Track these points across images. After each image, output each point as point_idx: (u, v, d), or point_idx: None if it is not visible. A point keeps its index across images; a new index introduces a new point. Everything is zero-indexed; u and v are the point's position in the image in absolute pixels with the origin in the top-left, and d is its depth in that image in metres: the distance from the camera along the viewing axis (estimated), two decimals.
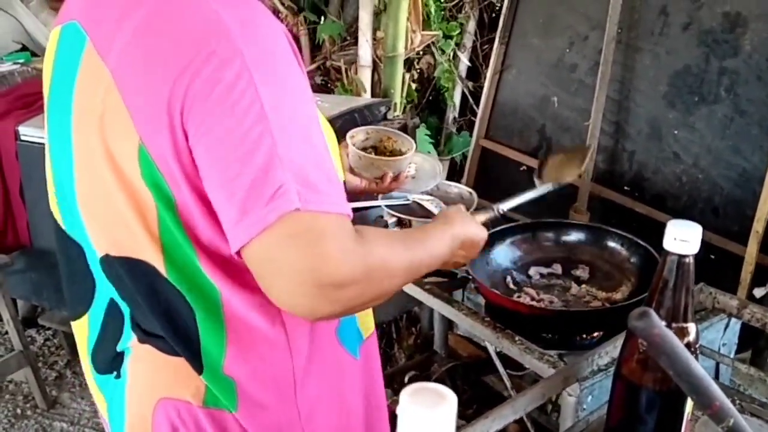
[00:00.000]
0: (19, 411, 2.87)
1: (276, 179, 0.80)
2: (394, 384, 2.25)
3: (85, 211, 0.96)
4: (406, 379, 2.03)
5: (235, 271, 0.90)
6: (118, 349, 1.01)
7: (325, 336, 1.03)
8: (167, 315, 0.93)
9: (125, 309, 0.99)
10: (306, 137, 0.85)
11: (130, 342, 0.99)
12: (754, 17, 2.26)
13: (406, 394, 0.58)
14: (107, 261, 0.96)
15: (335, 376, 1.05)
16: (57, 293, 2.85)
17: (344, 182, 1.18)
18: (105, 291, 1.01)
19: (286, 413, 1.00)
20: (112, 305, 1.01)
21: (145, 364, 0.99)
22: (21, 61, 3.21)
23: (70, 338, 3.10)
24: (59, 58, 0.99)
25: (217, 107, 0.80)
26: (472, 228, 1.21)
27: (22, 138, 2.68)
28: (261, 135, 0.80)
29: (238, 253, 0.83)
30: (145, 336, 0.97)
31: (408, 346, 2.83)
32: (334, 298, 0.82)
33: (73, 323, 1.11)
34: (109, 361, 1.03)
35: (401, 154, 1.46)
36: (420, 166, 1.59)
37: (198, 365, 0.94)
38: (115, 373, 1.03)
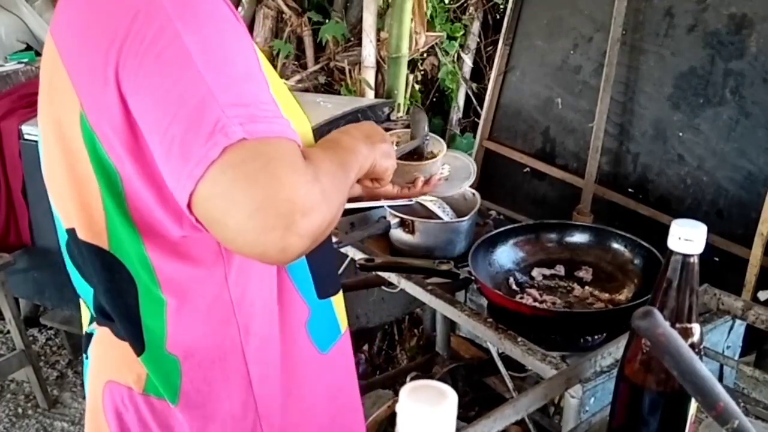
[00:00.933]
0: (20, 410, 2.87)
1: (212, 117, 0.75)
2: (396, 385, 2.25)
3: (49, 186, 0.96)
4: (408, 380, 2.02)
5: (173, 243, 0.89)
6: (87, 330, 1.02)
7: (290, 325, 1.00)
8: (113, 290, 0.92)
9: (86, 290, 0.98)
10: (243, 75, 0.80)
11: (94, 324, 1.00)
12: (760, 19, 2.25)
13: (405, 392, 0.57)
14: (70, 237, 0.95)
15: (298, 368, 1.02)
16: (59, 292, 2.85)
17: (375, 188, 1.17)
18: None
19: (237, 397, 0.97)
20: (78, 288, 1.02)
21: (101, 346, 1.00)
22: (25, 60, 3.22)
23: (71, 338, 3.11)
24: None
25: (146, 62, 0.78)
26: (382, 144, 1.08)
27: (26, 137, 2.69)
28: (191, 81, 0.76)
29: (191, 209, 0.78)
30: (102, 317, 0.97)
31: (410, 347, 2.83)
32: (300, 229, 0.75)
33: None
34: (85, 342, 1.04)
35: (432, 156, 1.39)
36: (453, 167, 1.53)
37: (140, 344, 0.93)
38: (85, 354, 1.05)
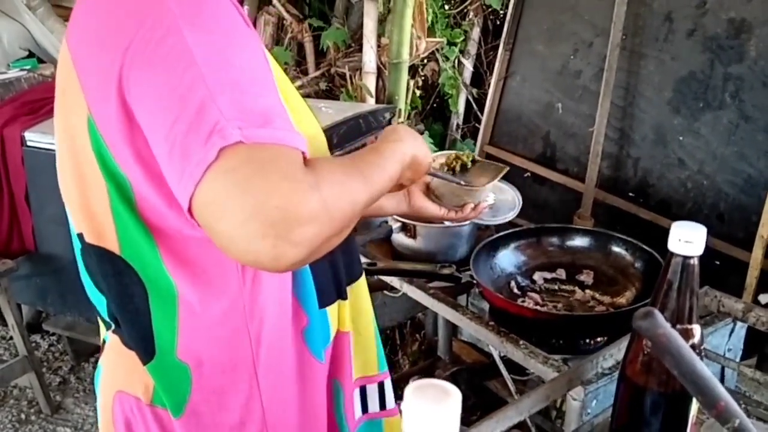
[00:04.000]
0: (23, 416, 2.87)
1: (211, 119, 0.74)
2: (398, 390, 2.25)
3: (62, 192, 0.96)
4: (411, 382, 2.03)
5: (188, 248, 0.88)
6: (103, 338, 1.02)
7: (289, 331, 0.99)
8: (123, 295, 0.92)
9: (98, 298, 0.98)
10: (247, 79, 0.79)
11: (109, 331, 1.00)
12: (759, 23, 2.27)
13: (410, 390, 0.58)
14: (80, 242, 0.95)
15: (297, 376, 1.02)
16: (61, 298, 2.86)
17: (421, 207, 1.22)
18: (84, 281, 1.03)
19: (245, 407, 0.97)
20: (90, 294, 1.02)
21: (112, 354, 1.00)
22: (28, 67, 3.23)
23: (74, 344, 3.11)
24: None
25: (151, 65, 0.78)
26: (421, 148, 1.11)
27: (28, 144, 2.69)
28: (192, 82, 0.75)
29: (191, 213, 0.76)
30: (115, 325, 0.97)
31: (412, 352, 2.83)
32: (295, 237, 0.73)
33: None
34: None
35: (484, 183, 1.33)
36: (499, 196, 1.52)
37: (149, 351, 0.92)
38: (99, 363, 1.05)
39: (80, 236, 0.94)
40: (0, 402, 2.94)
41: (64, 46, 0.90)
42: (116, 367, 0.99)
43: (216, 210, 0.73)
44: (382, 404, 1.17)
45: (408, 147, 1.05)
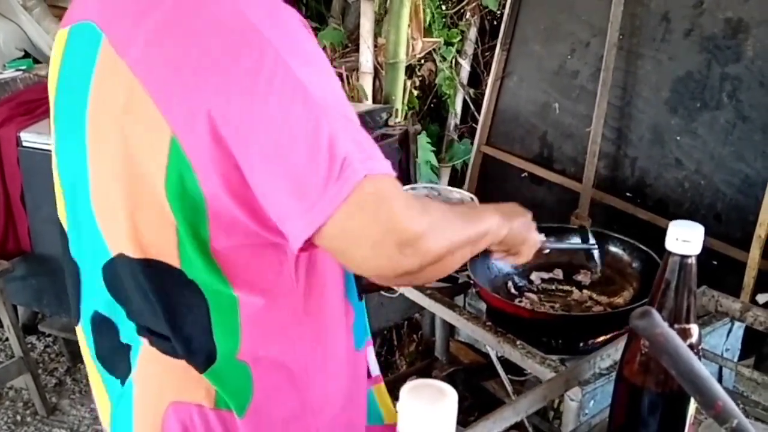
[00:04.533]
0: (18, 417, 2.86)
1: (339, 155, 0.80)
2: (395, 390, 2.24)
3: (100, 209, 0.95)
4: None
5: (248, 257, 0.92)
6: (130, 360, 1.01)
7: (339, 326, 1.05)
8: (180, 307, 0.93)
9: (118, 317, 0.99)
10: (345, 110, 0.86)
11: (138, 347, 0.99)
12: (756, 23, 2.26)
13: (405, 390, 0.58)
14: (119, 262, 0.95)
15: (345, 368, 1.07)
16: (57, 299, 2.85)
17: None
18: (89, 303, 1.02)
19: (299, 401, 1.00)
20: (97, 318, 1.02)
21: (155, 367, 0.99)
22: (23, 67, 3.22)
23: (70, 345, 3.11)
24: (68, 59, 0.98)
25: (260, 96, 0.81)
26: (525, 229, 1.20)
27: (24, 144, 2.68)
28: (312, 117, 0.81)
29: (311, 239, 0.83)
30: (154, 338, 0.97)
31: (409, 352, 2.83)
32: (412, 252, 0.84)
33: (76, 327, 1.11)
34: (117, 366, 1.03)
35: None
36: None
37: (212, 357, 0.94)
38: (120, 379, 1.03)
39: (118, 254, 0.93)
40: None
41: (117, 68, 0.88)
42: (165, 379, 0.99)
43: (350, 238, 0.83)
44: (368, 372, 1.20)
45: (506, 210, 1.14)
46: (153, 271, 0.92)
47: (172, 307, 0.93)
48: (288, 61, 0.81)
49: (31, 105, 2.82)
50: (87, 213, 0.97)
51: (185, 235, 0.89)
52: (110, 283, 0.98)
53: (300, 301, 0.97)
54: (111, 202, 0.93)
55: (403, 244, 0.83)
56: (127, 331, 0.99)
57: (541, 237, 1.28)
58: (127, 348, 1.01)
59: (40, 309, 3.09)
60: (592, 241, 1.73)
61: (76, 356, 3.13)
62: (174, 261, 0.91)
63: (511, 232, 1.14)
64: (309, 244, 0.84)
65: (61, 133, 1.01)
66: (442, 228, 0.90)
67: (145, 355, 0.99)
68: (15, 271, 2.71)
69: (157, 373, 0.99)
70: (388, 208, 0.83)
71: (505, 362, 1.73)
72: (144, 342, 0.98)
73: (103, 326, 1.02)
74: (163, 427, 0.98)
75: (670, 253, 0.92)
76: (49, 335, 3.26)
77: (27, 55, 3.42)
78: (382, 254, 0.83)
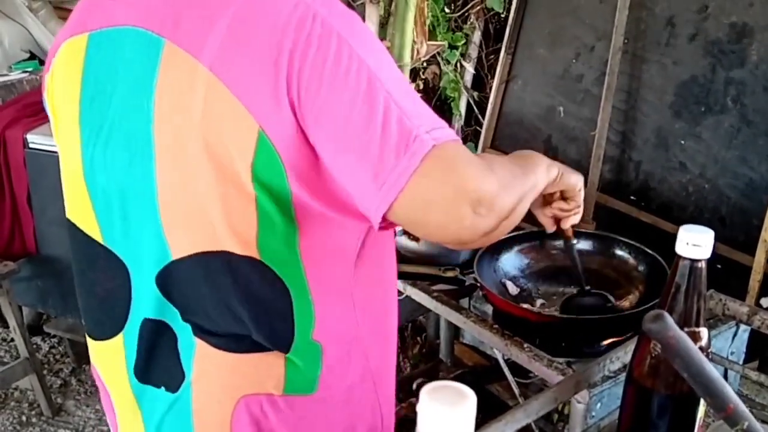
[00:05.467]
0: (24, 418, 2.87)
1: (407, 129, 0.85)
2: (400, 393, 2.24)
3: (170, 216, 0.95)
4: (414, 386, 2.03)
5: (324, 241, 0.96)
6: (182, 365, 1.02)
7: (394, 297, 1.12)
8: (269, 300, 0.96)
9: (176, 322, 1.00)
10: (406, 86, 0.90)
11: (192, 350, 1.00)
12: (761, 28, 2.27)
13: (426, 392, 0.58)
14: (183, 264, 0.96)
15: (393, 337, 1.13)
16: (63, 301, 2.86)
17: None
18: (140, 311, 1.02)
19: (360, 372, 1.06)
20: (147, 325, 1.02)
21: (217, 368, 1.00)
22: (30, 69, 3.24)
23: (75, 346, 3.11)
24: (96, 66, 0.98)
25: (333, 82, 0.85)
26: (568, 170, 1.27)
27: (31, 146, 2.70)
28: (379, 96, 0.85)
29: (386, 214, 0.87)
30: (217, 339, 0.98)
31: (413, 355, 2.83)
32: (486, 212, 0.87)
33: (95, 342, 1.11)
34: (166, 373, 1.03)
35: None
36: None
37: (290, 343, 0.97)
38: (170, 388, 1.04)
39: (223, 253, 0.94)
40: (1, 404, 2.94)
41: (192, 66, 0.89)
42: (231, 377, 1.00)
43: (423, 206, 0.86)
44: None
45: (548, 167, 1.18)
46: (250, 266, 0.94)
47: (264, 299, 0.96)
48: (352, 45, 0.86)
49: (38, 106, 2.81)
50: (148, 220, 0.97)
51: (268, 227, 0.91)
52: (166, 287, 0.99)
53: (360, 272, 1.01)
54: (187, 204, 0.93)
55: (476, 204, 0.86)
56: (184, 333, 1.00)
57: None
58: (178, 354, 1.01)
59: (45, 310, 3.10)
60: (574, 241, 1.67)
61: (81, 357, 3.14)
62: (255, 253, 0.93)
63: (561, 171, 1.21)
64: (388, 223, 0.89)
65: (97, 141, 0.99)
66: (509, 182, 0.93)
67: (202, 356, 1.00)
68: (21, 272, 2.72)
69: (220, 372, 1.00)
70: (457, 172, 0.86)
71: (510, 364, 1.73)
72: (199, 343, 0.99)
73: (155, 333, 1.02)
74: (232, 424, 0.99)
75: (680, 257, 0.93)
76: (54, 336, 3.27)
77: (33, 56, 3.43)
78: (457, 217, 0.86)
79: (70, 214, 1.07)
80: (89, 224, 1.04)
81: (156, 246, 0.97)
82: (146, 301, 1.01)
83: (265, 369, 0.98)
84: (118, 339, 1.06)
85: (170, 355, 1.02)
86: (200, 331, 0.99)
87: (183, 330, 1.00)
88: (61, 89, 1.03)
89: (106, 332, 1.08)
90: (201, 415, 1.02)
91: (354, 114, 0.85)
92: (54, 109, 1.05)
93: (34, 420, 2.87)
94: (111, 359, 1.08)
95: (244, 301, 0.95)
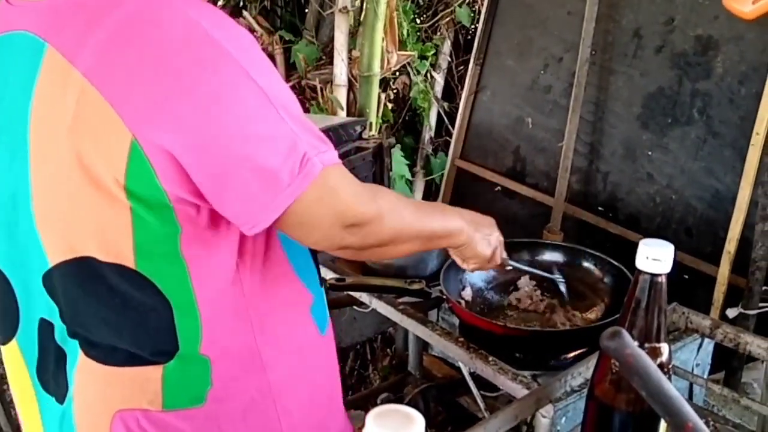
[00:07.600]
0: None
1: (299, 153, 0.90)
2: (368, 405, 2.23)
3: (43, 221, 0.94)
4: (379, 401, 2.01)
5: (209, 250, 0.95)
6: (67, 371, 1.00)
7: (296, 310, 1.09)
8: (144, 310, 0.94)
9: (59, 329, 0.98)
10: (297, 109, 0.95)
11: (75, 361, 0.98)
12: (725, 40, 2.29)
13: (371, 417, 0.57)
14: (59, 270, 0.94)
15: (306, 351, 1.10)
16: None
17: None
18: (33, 312, 1.00)
19: (256, 387, 1.03)
20: (44, 325, 1.00)
21: (95, 381, 0.98)
22: None
23: None
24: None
25: (225, 106, 0.87)
26: (483, 243, 1.31)
27: None
28: (273, 120, 0.89)
29: (274, 223, 0.93)
30: (96, 350, 0.97)
31: (383, 367, 2.81)
32: (355, 233, 0.99)
33: (4, 347, 1.09)
34: (56, 382, 1.02)
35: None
36: None
37: (170, 351, 0.96)
38: (56, 396, 1.02)
39: (94, 261, 0.92)
40: None
41: (67, 71, 0.87)
42: (108, 390, 0.99)
43: (310, 224, 0.96)
44: None
45: (471, 231, 1.26)
46: (117, 273, 0.92)
47: (133, 313, 0.94)
48: (247, 70, 0.88)
49: None
50: (27, 224, 0.95)
51: (145, 234, 0.90)
52: (51, 293, 0.97)
53: (254, 288, 1.01)
54: (59, 210, 0.92)
55: (348, 227, 0.97)
56: (70, 345, 0.99)
57: (504, 256, 1.39)
58: (65, 363, 1.00)
59: None
60: (557, 274, 1.76)
61: None
62: (130, 261, 0.92)
63: (470, 243, 1.25)
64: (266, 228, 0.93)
65: None
66: (390, 215, 1.03)
67: (82, 368, 0.98)
68: None
69: (97, 385, 0.99)
70: (340, 197, 0.96)
71: (479, 377, 1.72)
72: (81, 355, 0.97)
73: (50, 335, 1.01)
74: None
75: (640, 271, 0.92)
76: None
77: None
78: (334, 235, 0.97)
79: None
80: None
81: (38, 251, 0.96)
82: (40, 303, 1.00)
83: (140, 383, 0.97)
84: (14, 343, 1.06)
85: (59, 362, 1.01)
86: (83, 342, 0.98)
87: (70, 341, 0.99)
88: None
89: (6, 335, 1.07)
90: (84, 422, 1.01)
91: (248, 135, 0.88)
92: None
93: None
94: (16, 361, 1.07)
95: (119, 312, 0.94)
